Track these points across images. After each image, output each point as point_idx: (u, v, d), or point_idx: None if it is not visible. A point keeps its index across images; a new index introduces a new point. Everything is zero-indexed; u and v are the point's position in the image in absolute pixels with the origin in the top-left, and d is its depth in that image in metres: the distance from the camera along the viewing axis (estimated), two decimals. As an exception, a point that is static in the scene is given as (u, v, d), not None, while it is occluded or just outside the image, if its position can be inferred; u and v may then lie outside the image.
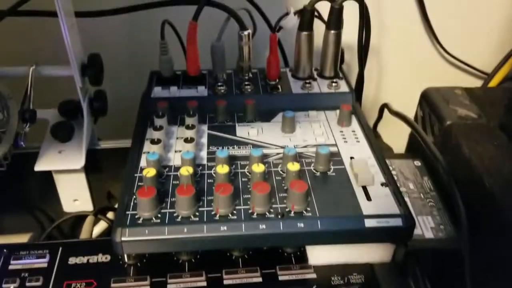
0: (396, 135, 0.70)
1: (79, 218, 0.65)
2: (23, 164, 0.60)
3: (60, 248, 0.49)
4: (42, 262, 0.48)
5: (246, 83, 0.62)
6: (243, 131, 0.57)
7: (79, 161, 0.59)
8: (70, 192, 0.66)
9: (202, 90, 0.61)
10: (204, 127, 0.57)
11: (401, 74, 0.87)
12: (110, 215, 0.65)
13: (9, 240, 0.57)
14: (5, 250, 0.49)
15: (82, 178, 0.64)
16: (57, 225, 0.64)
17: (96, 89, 0.64)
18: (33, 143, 0.62)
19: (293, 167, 0.47)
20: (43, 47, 0.72)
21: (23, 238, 0.60)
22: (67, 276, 0.47)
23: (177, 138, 0.55)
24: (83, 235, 0.59)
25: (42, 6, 0.63)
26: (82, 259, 0.48)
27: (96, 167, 0.66)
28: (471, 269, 0.44)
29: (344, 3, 0.60)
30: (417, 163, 0.59)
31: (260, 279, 0.46)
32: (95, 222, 0.63)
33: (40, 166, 0.59)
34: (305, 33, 0.61)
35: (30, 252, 0.49)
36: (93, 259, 0.48)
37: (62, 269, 0.47)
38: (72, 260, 0.48)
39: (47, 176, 0.64)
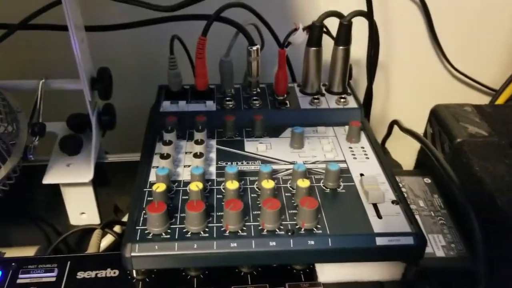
0: (404, 152, 0.69)
1: (86, 232, 0.65)
2: (31, 177, 0.60)
3: (69, 262, 0.49)
4: (50, 276, 0.48)
5: (254, 98, 0.62)
6: (251, 146, 0.57)
7: (88, 175, 0.59)
8: (77, 205, 0.65)
9: (210, 105, 0.61)
10: (213, 142, 0.57)
11: (409, 90, 0.87)
12: (117, 228, 0.65)
13: (16, 253, 0.57)
14: (13, 264, 0.49)
15: (89, 191, 0.64)
16: (64, 238, 0.63)
17: (105, 103, 0.64)
18: (42, 156, 0.62)
19: (303, 183, 0.47)
20: (53, 61, 0.72)
21: (30, 251, 0.60)
22: (75, 290, 0.46)
23: (186, 153, 0.55)
24: (91, 249, 0.58)
25: (53, 20, 0.63)
26: (91, 274, 0.48)
27: (103, 180, 0.66)
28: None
29: (352, 19, 0.60)
30: (427, 180, 0.58)
31: (269, 296, 0.46)
32: (102, 236, 0.63)
33: (48, 179, 0.59)
34: (313, 49, 0.61)
35: (38, 266, 0.49)
36: (102, 273, 0.48)
37: (71, 284, 0.47)
38: (80, 275, 0.48)
39: (55, 189, 0.64)
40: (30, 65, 0.71)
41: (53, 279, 0.47)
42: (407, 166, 0.68)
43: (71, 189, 0.63)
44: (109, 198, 0.67)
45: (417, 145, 0.67)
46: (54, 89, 0.60)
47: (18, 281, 0.47)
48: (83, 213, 0.66)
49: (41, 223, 0.68)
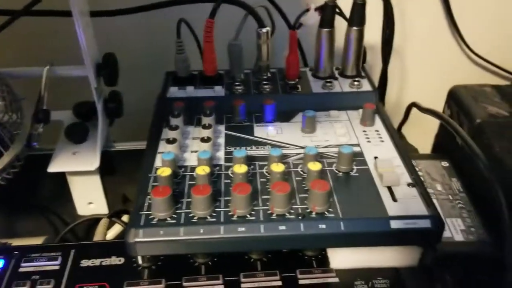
0: (420, 138, 0.67)
1: (94, 222, 0.64)
2: (38, 166, 0.59)
3: (73, 251, 0.48)
4: (53, 265, 0.46)
5: (265, 82, 0.60)
6: (261, 131, 0.55)
7: (94, 163, 0.58)
8: (84, 194, 0.64)
9: (219, 90, 0.60)
10: (221, 128, 0.55)
11: (425, 76, 0.85)
12: (125, 218, 0.63)
13: (23, 243, 0.55)
14: (16, 252, 0.47)
15: (96, 180, 0.63)
16: (71, 228, 0.62)
17: (111, 90, 0.62)
18: (49, 145, 0.61)
19: (315, 166, 0.45)
20: (58, 48, 0.71)
21: (36, 241, 0.59)
22: (79, 279, 0.45)
23: (193, 138, 0.53)
24: (97, 238, 0.57)
25: (56, 6, 0.62)
26: (95, 262, 0.47)
27: (111, 169, 0.64)
28: None
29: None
30: (445, 163, 0.56)
31: (279, 283, 0.44)
32: (109, 226, 0.61)
33: (54, 167, 0.58)
34: (326, 30, 0.59)
35: (41, 254, 0.47)
36: (106, 261, 0.47)
37: (74, 272, 0.46)
38: (84, 263, 0.47)
39: (62, 179, 0.63)
40: (35, 52, 0.69)
41: (57, 267, 0.46)
42: (423, 152, 0.66)
43: (77, 178, 0.62)
44: (117, 187, 0.65)
45: (433, 130, 0.64)
46: (59, 76, 0.59)
47: (21, 269, 0.46)
48: (90, 203, 0.65)
49: (48, 213, 0.67)
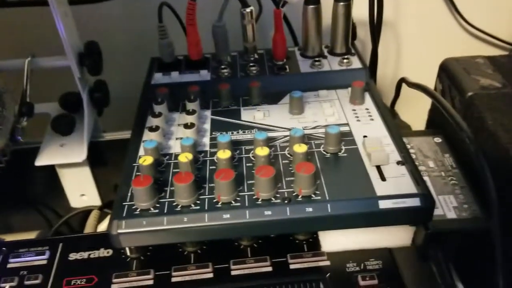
0: (415, 114, 0.65)
1: (87, 214, 0.63)
2: (27, 161, 0.58)
3: (61, 244, 0.48)
4: (41, 259, 0.46)
5: (251, 64, 0.59)
6: (248, 115, 0.53)
7: (81, 154, 0.57)
8: (76, 187, 0.64)
9: (204, 74, 0.58)
10: (207, 113, 0.54)
11: (420, 49, 0.82)
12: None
13: (17, 238, 0.55)
14: (3, 248, 0.47)
15: (87, 172, 0.62)
16: (65, 221, 0.62)
17: (96, 79, 0.61)
18: (37, 138, 0.60)
19: (300, 148, 0.44)
20: (40, 38, 0.70)
21: (30, 236, 0.59)
22: (67, 272, 0.45)
23: (178, 125, 0.52)
24: (87, 230, 0.57)
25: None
26: (83, 255, 0.46)
27: (100, 160, 0.64)
28: (502, 248, 0.40)
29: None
30: (438, 139, 0.54)
31: (270, 268, 0.44)
32: (102, 217, 0.61)
33: (41, 160, 0.57)
34: (311, 7, 0.57)
35: (29, 249, 0.47)
36: (94, 254, 0.46)
37: (62, 266, 0.45)
38: (72, 256, 0.46)
39: (53, 172, 0.62)
40: (16, 44, 0.68)
41: (45, 261, 0.46)
42: (418, 129, 0.64)
43: (67, 170, 0.62)
44: (109, 178, 0.65)
45: (427, 106, 0.63)
46: (42, 67, 0.58)
47: (9, 265, 0.46)
48: (83, 194, 0.64)
49: (42, 208, 0.67)
